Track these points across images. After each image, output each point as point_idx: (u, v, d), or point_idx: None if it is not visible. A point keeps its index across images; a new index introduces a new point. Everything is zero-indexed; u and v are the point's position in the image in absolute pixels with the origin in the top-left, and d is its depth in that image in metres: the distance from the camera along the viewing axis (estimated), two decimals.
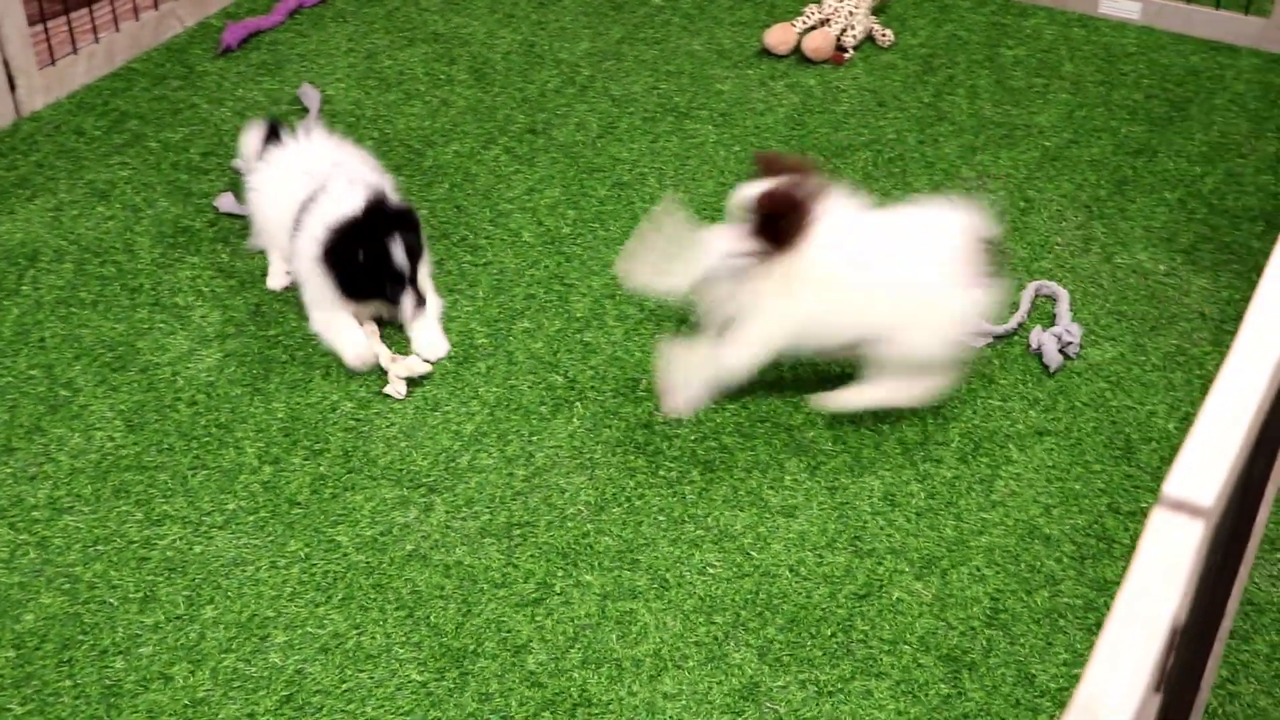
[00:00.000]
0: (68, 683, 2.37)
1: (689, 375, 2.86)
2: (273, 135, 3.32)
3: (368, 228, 2.98)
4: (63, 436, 2.81)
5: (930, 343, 2.85)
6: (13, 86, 3.64)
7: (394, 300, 3.02)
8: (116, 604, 2.50)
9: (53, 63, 3.74)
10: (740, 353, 2.84)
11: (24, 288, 3.16)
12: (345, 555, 2.62)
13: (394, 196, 3.17)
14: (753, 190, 2.73)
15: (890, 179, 3.64)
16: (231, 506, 2.70)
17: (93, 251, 3.27)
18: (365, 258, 2.97)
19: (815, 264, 2.73)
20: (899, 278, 2.79)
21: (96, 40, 3.86)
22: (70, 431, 2.83)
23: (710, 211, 3.49)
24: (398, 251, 2.98)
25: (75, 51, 3.80)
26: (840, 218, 2.76)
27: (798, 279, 2.74)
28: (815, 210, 2.71)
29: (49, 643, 2.43)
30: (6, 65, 3.61)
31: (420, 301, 3.04)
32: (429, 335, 3.07)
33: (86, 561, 2.57)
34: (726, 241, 2.75)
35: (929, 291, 2.81)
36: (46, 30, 3.75)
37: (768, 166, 2.79)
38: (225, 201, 3.44)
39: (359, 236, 2.97)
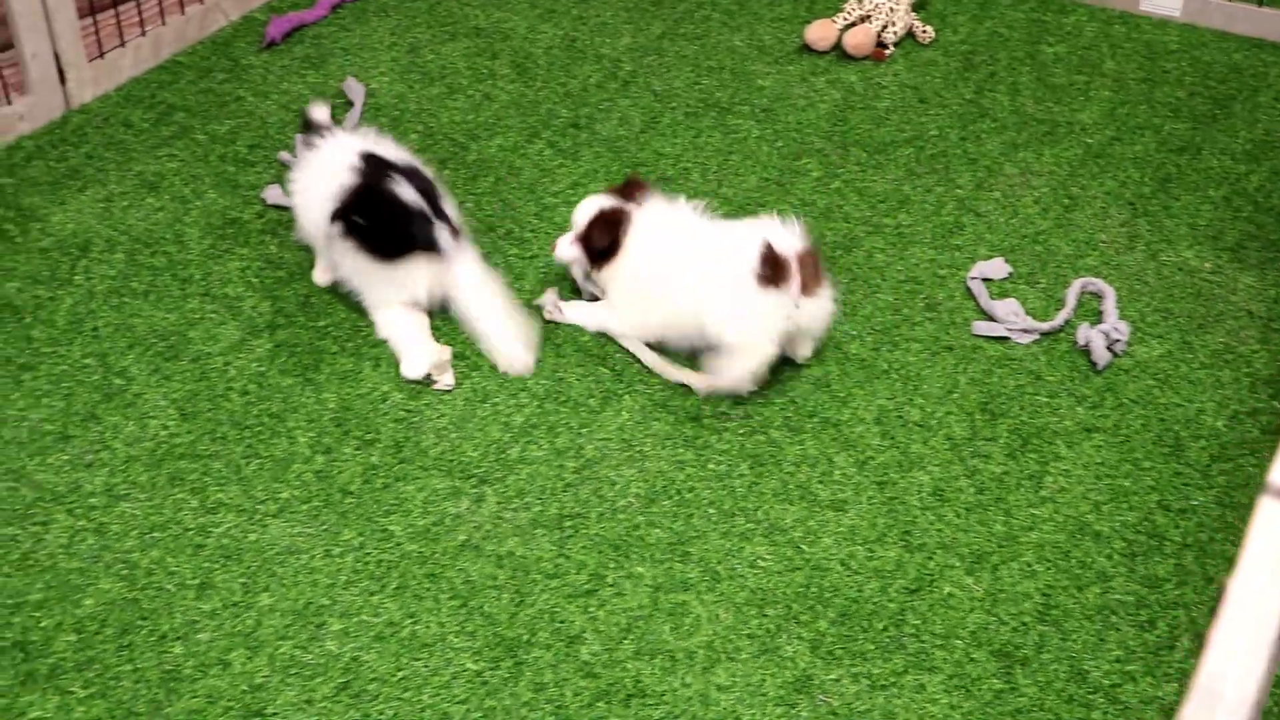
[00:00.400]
0: (128, 667, 2.39)
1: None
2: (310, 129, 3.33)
3: (370, 180, 3.00)
4: (118, 424, 2.84)
5: (728, 337, 2.93)
6: (63, 79, 3.67)
7: (427, 242, 3.01)
8: (174, 590, 2.52)
9: (101, 55, 3.77)
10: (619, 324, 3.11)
11: (76, 277, 3.18)
12: (398, 545, 2.63)
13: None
14: (586, 210, 3.11)
15: (933, 175, 3.64)
16: (285, 495, 2.72)
17: (143, 242, 3.30)
18: (378, 208, 2.99)
19: (627, 271, 3.06)
20: (691, 281, 2.97)
21: (143, 34, 3.88)
22: (125, 419, 2.85)
23: (753, 207, 3.50)
24: (405, 191, 2.99)
25: (123, 45, 3.83)
26: (653, 230, 3.05)
27: (619, 281, 3.08)
28: (622, 237, 3.04)
29: (109, 627, 2.45)
30: (57, 58, 3.63)
31: (455, 233, 3.05)
32: (510, 348, 3.06)
33: (144, 548, 2.60)
34: (567, 248, 3.12)
35: (719, 294, 2.93)
36: (95, 23, 3.77)
37: (615, 188, 3.16)
38: (272, 194, 3.46)
39: (365, 189, 2.99)
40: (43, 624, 2.45)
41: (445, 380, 2.96)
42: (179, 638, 2.44)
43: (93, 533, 2.62)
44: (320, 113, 3.31)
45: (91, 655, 2.41)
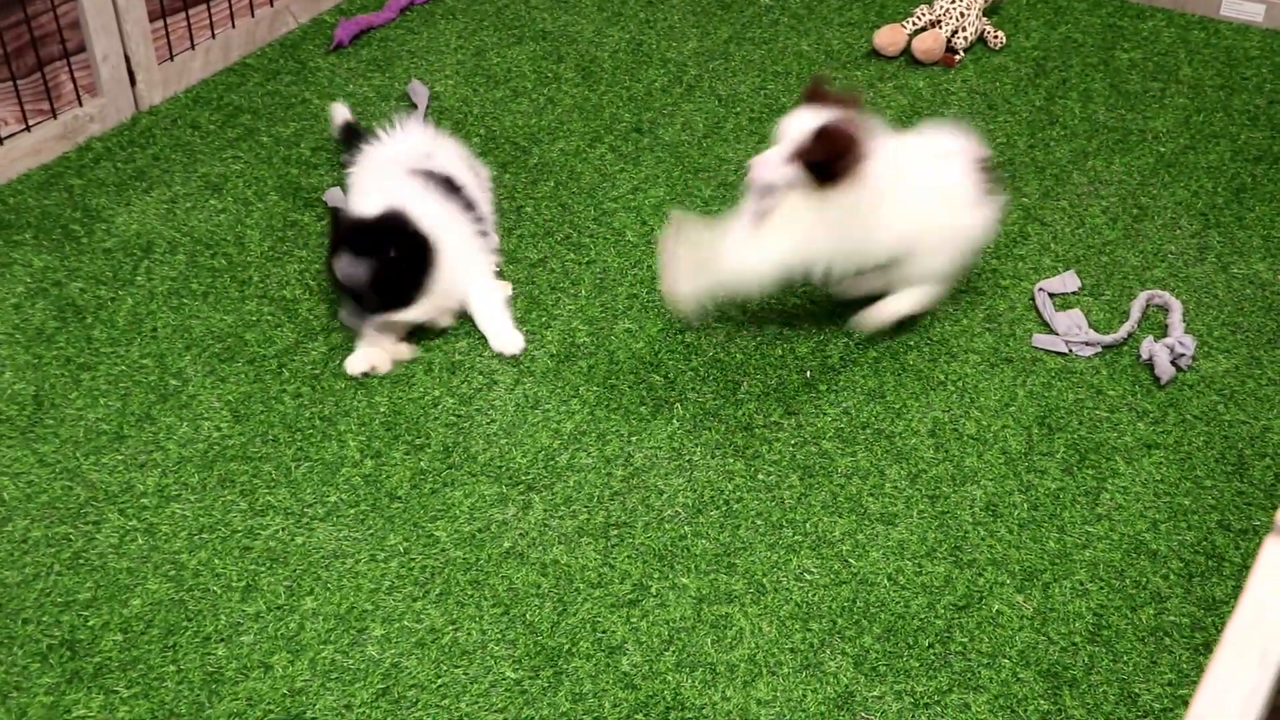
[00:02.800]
0: (171, 668, 2.41)
1: (697, 261, 2.91)
2: (353, 134, 3.35)
3: (344, 239, 2.93)
4: (172, 425, 2.87)
5: (946, 257, 3.00)
6: (133, 81, 3.72)
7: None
8: (219, 592, 2.54)
9: (171, 58, 3.82)
10: (760, 255, 2.88)
11: (138, 278, 3.22)
12: (443, 551, 2.63)
13: (469, 198, 3.17)
14: (805, 123, 2.80)
15: (999, 184, 3.58)
16: (333, 499, 2.73)
17: (204, 244, 3.33)
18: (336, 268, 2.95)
19: (859, 195, 2.82)
20: (924, 199, 2.94)
21: (213, 36, 3.93)
22: (179, 420, 2.88)
23: None
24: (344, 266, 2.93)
25: (193, 47, 3.87)
26: (878, 149, 2.85)
27: (838, 206, 2.82)
28: (866, 151, 2.80)
29: (154, 628, 2.48)
30: (128, 60, 3.69)
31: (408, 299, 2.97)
32: (499, 329, 3.06)
33: (192, 549, 2.62)
34: (774, 168, 2.80)
35: (949, 209, 2.96)
36: (166, 26, 3.82)
37: (816, 96, 2.86)
38: (334, 195, 3.48)
39: (337, 244, 2.95)
40: (90, 623, 2.48)
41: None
42: (223, 640, 2.46)
43: (143, 533, 2.65)
44: (342, 113, 3.33)
45: (137, 655, 2.43)
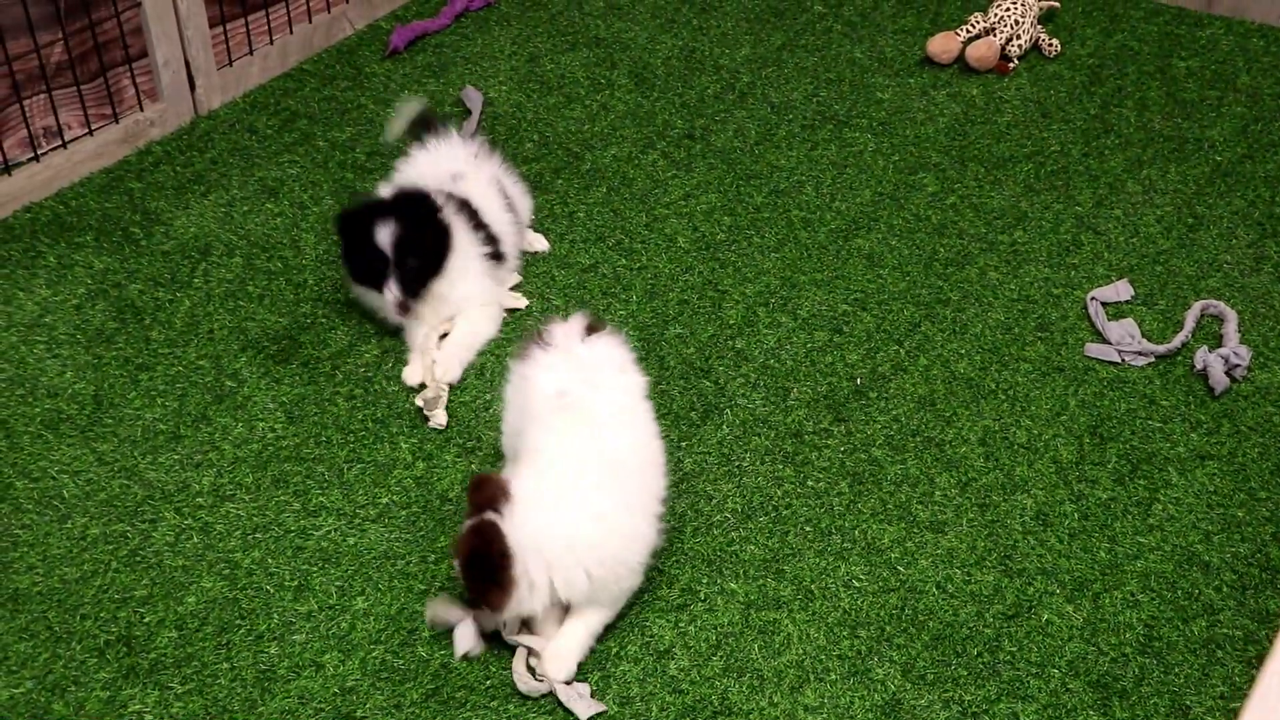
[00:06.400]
0: (225, 665, 2.44)
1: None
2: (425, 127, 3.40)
3: (366, 211, 3.01)
4: (227, 426, 2.90)
5: None
6: (193, 86, 3.78)
7: (377, 286, 3.01)
8: (273, 591, 2.57)
9: (230, 64, 3.87)
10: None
11: (196, 280, 3.26)
12: None
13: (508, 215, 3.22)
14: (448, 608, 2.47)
15: (1052, 192, 3.57)
16: (385, 500, 2.75)
17: (261, 247, 3.37)
18: (354, 240, 3.02)
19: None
20: None
21: (271, 42, 3.97)
22: (234, 421, 2.91)
23: (867, 221, 3.47)
24: (383, 235, 2.97)
25: (251, 53, 3.92)
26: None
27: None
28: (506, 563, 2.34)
29: (209, 625, 2.51)
30: (188, 66, 3.74)
31: (407, 295, 3.00)
32: (447, 355, 3.05)
33: (246, 548, 2.65)
34: (471, 637, 2.46)
35: None
36: (225, 32, 3.87)
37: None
38: None
39: (355, 218, 3.02)
40: (146, 619, 2.52)
41: (436, 419, 2.91)
42: (275, 638, 2.49)
43: (198, 531, 2.68)
44: (412, 108, 3.47)
45: (191, 652, 2.46)
